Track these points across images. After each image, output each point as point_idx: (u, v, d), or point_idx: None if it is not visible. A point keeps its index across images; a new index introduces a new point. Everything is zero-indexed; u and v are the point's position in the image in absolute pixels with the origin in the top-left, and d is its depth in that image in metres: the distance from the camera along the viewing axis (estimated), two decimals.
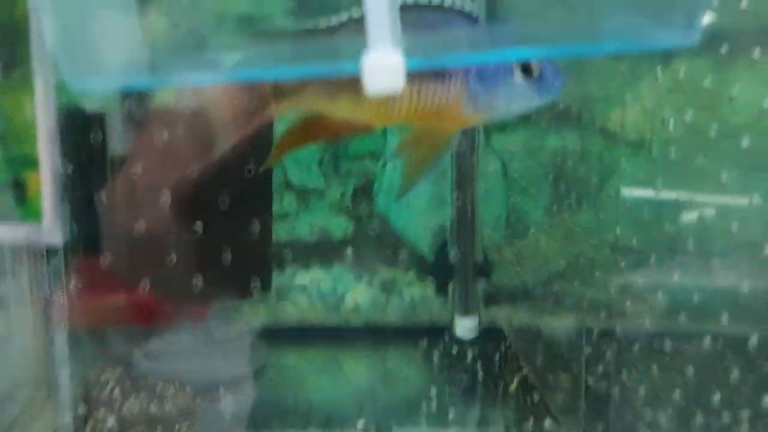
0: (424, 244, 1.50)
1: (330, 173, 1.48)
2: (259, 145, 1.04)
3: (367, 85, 0.56)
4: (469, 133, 1.41)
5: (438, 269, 1.49)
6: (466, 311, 1.47)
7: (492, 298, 1.50)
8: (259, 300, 1.40)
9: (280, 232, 1.45)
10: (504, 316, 1.50)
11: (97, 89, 0.58)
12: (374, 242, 1.50)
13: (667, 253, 1.22)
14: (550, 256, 1.47)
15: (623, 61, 1.28)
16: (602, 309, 1.29)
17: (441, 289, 1.50)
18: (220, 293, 1.19)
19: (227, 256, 1.14)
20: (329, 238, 1.48)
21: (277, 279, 1.45)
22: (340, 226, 1.49)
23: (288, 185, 1.47)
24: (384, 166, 1.50)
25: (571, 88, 1.41)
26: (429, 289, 1.51)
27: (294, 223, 1.48)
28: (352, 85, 0.76)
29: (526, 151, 1.48)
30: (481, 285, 1.49)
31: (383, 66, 0.54)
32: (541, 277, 1.49)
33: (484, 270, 1.48)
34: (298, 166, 1.46)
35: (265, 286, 1.26)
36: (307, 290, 1.48)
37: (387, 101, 0.79)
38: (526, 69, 0.79)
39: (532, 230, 1.49)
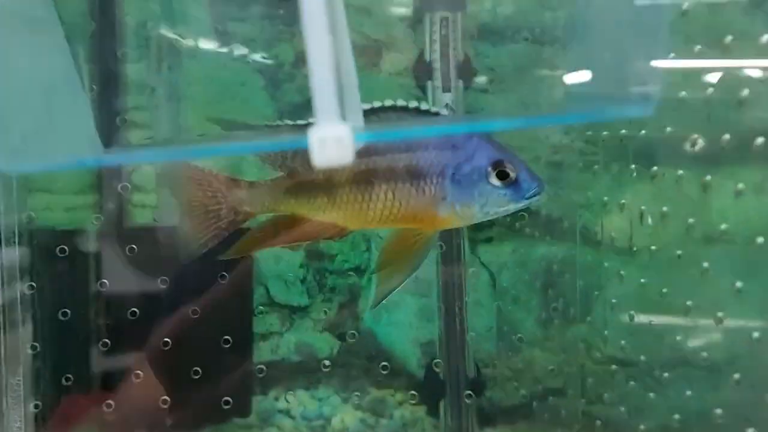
0: (413, 361, 1.44)
1: (314, 290, 1.44)
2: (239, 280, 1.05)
3: (315, 157, 0.54)
4: (453, 245, 1.38)
5: (428, 387, 1.42)
6: None
7: (487, 417, 1.42)
8: (239, 426, 1.33)
9: (262, 352, 1.40)
10: None
11: (29, 170, 0.56)
12: (361, 360, 1.44)
13: (667, 365, 1.17)
14: (546, 369, 1.41)
15: (607, 168, 1.28)
16: (603, 424, 1.23)
17: (432, 409, 1.43)
18: (195, 420, 1.13)
19: (203, 379, 1.09)
20: (314, 358, 1.43)
21: (260, 403, 1.39)
22: (325, 345, 1.44)
23: (271, 303, 1.43)
24: (369, 281, 1.47)
25: (556, 197, 1.42)
26: (420, 409, 1.44)
27: (278, 342, 1.43)
28: (329, 188, 0.80)
29: (514, 261, 1.45)
30: (474, 403, 1.42)
31: (330, 137, 0.52)
32: (537, 392, 1.42)
33: (477, 386, 1.41)
34: (281, 283, 1.42)
35: (244, 411, 1.19)
36: (292, 414, 1.40)
37: (362, 202, 0.79)
38: (501, 174, 0.80)
39: (526, 342, 1.44)
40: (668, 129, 1.09)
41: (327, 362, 1.41)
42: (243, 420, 1.28)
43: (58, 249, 1.10)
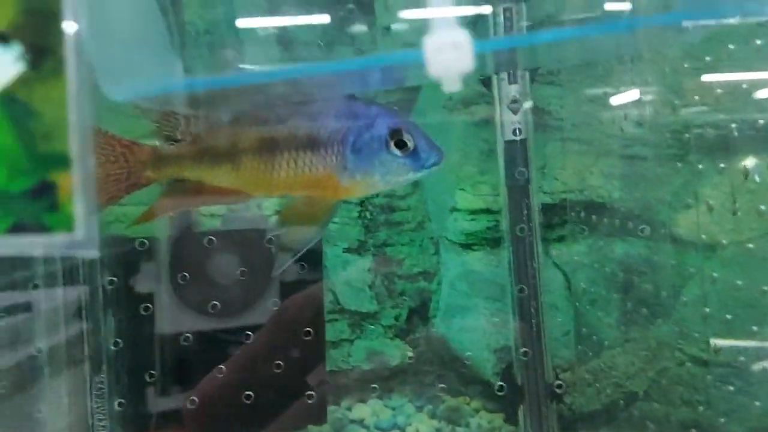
0: (488, 367, 1.39)
1: (383, 295, 1.41)
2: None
3: (430, 66, 0.52)
4: (525, 245, 1.33)
5: (506, 394, 1.36)
6: None
7: (568, 424, 1.36)
8: None
9: (333, 360, 1.37)
10: None
11: (131, 97, 0.56)
12: (434, 367, 1.40)
13: (757, 366, 1.11)
14: (627, 372, 1.35)
15: (686, 161, 1.23)
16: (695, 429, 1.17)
17: (511, 417, 1.37)
18: (273, 425, 1.10)
19: (276, 387, 1.07)
20: (386, 365, 1.39)
21: (333, 413, 1.35)
22: (396, 352, 1.40)
23: (341, 309, 1.40)
24: (439, 285, 1.43)
25: (633, 193, 1.36)
26: (497, 417, 1.38)
27: (348, 349, 1.40)
28: (232, 154, 0.80)
29: (589, 261, 1.39)
30: (554, 409, 1.35)
31: (448, 43, 0.50)
32: (620, 397, 1.35)
33: (557, 392, 1.35)
34: (349, 289, 1.40)
35: (319, 418, 1.16)
36: (365, 423, 1.37)
37: (265, 170, 0.80)
38: (399, 142, 0.81)
39: (606, 346, 1.37)
40: (761, 122, 1.04)
41: (399, 370, 1.37)
42: (318, 430, 1.25)
43: (138, 243, 1.10)
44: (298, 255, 0.82)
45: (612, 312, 1.37)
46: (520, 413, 1.34)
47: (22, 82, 0.44)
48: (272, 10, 1.19)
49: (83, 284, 1.08)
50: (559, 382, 1.30)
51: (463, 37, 0.51)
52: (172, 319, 1.11)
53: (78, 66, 0.44)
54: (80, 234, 0.44)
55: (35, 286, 1.07)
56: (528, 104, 1.27)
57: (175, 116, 0.81)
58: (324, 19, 1.24)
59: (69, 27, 0.44)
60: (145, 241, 1.11)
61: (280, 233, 0.84)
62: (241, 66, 1.21)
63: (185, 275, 1.11)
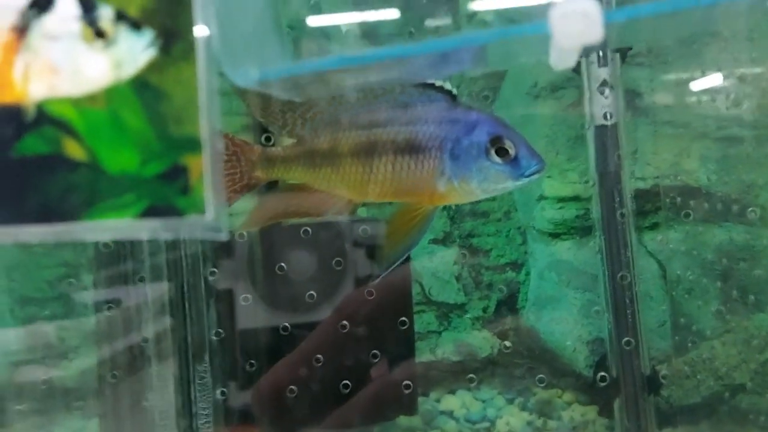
0: (580, 359, 1.36)
1: (470, 287, 1.39)
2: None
3: (558, 37, 0.50)
4: (618, 233, 1.29)
5: (599, 387, 1.33)
6: None
7: (666, 417, 1.31)
8: (403, 429, 1.29)
9: (421, 352, 1.36)
10: None
11: (253, 80, 0.56)
12: (524, 360, 1.37)
13: None
14: (728, 364, 1.29)
15: None
16: None
17: (605, 410, 1.33)
18: (364, 417, 1.10)
19: (368, 378, 1.07)
20: (474, 357, 1.37)
21: (422, 405, 1.34)
22: (485, 343, 1.38)
23: (428, 301, 1.39)
24: (527, 276, 1.40)
25: (730, 177, 1.30)
26: (591, 410, 1.35)
27: (436, 341, 1.39)
28: (333, 157, 0.80)
29: (685, 248, 1.34)
30: (651, 403, 1.31)
31: (575, 11, 0.48)
32: (721, 390, 1.30)
33: (653, 385, 1.30)
34: (436, 281, 1.39)
35: (410, 408, 1.16)
36: (455, 415, 1.35)
37: (363, 174, 0.80)
38: (500, 150, 0.79)
39: (705, 337, 1.32)
40: None
41: (488, 362, 1.35)
42: (408, 420, 1.24)
43: (237, 235, 1.12)
44: (396, 265, 0.81)
45: (710, 301, 1.32)
46: (616, 406, 1.31)
47: (153, 66, 0.45)
48: (356, 3, 1.19)
49: (185, 276, 1.11)
50: (665, 373, 1.26)
51: (593, 5, 0.49)
52: (258, 313, 1.12)
53: (206, 49, 0.44)
54: (210, 216, 0.44)
55: (141, 279, 1.10)
56: (618, 88, 1.23)
57: (283, 112, 0.82)
58: (406, 8, 1.24)
59: (197, 9, 0.44)
60: (244, 233, 1.12)
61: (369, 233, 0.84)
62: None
63: (282, 266, 1.12)
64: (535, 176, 0.80)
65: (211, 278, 1.11)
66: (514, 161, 0.80)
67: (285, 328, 1.12)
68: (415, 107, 0.81)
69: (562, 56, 0.52)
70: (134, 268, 1.09)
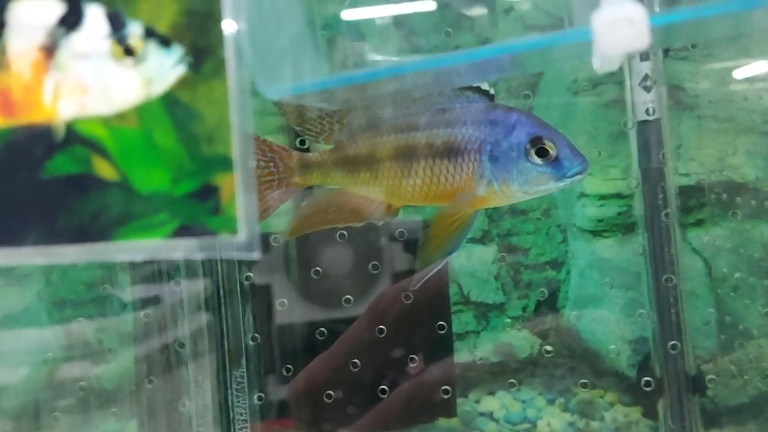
0: (623, 359, 1.33)
1: (509, 286, 1.37)
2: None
3: (602, 46, 0.48)
4: (661, 230, 1.26)
5: (643, 387, 1.30)
6: None
7: (711, 418, 1.28)
8: (442, 430, 1.28)
9: (460, 352, 1.35)
10: None
11: (287, 94, 0.56)
12: (565, 360, 1.35)
13: None
14: None
15: None
16: None
17: (649, 411, 1.30)
18: (402, 419, 1.10)
19: (406, 380, 1.06)
20: (514, 357, 1.35)
21: (461, 406, 1.33)
22: (525, 343, 1.36)
23: (466, 301, 1.38)
24: (568, 274, 1.38)
25: None
26: (634, 410, 1.32)
27: (475, 341, 1.37)
28: (371, 161, 0.80)
29: (731, 245, 1.30)
30: (696, 403, 1.28)
31: (621, 18, 0.46)
32: None
33: (699, 385, 1.27)
34: (474, 280, 1.37)
35: (449, 410, 1.15)
36: (495, 416, 1.34)
37: (402, 178, 0.80)
38: (541, 150, 0.77)
39: (752, 336, 1.28)
40: None
41: (528, 362, 1.33)
42: (447, 422, 1.23)
43: (272, 238, 1.12)
44: (436, 269, 0.81)
45: (758, 299, 1.28)
46: (660, 407, 1.28)
47: (183, 83, 0.44)
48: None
49: (222, 280, 1.12)
50: (711, 377, 1.23)
51: (639, 11, 0.47)
52: (298, 312, 1.12)
53: (238, 66, 0.44)
54: (243, 236, 0.44)
55: (177, 282, 1.11)
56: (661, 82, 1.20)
57: (320, 118, 0.82)
58: (442, 3, 1.22)
59: (228, 26, 0.44)
60: (278, 236, 1.12)
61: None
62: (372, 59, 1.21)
63: (317, 270, 1.12)
64: (578, 177, 0.79)
65: (246, 282, 1.12)
66: (556, 162, 0.78)
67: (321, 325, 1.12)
68: (453, 110, 0.81)
69: (605, 61, 0.50)
70: (170, 271, 1.10)
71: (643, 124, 1.21)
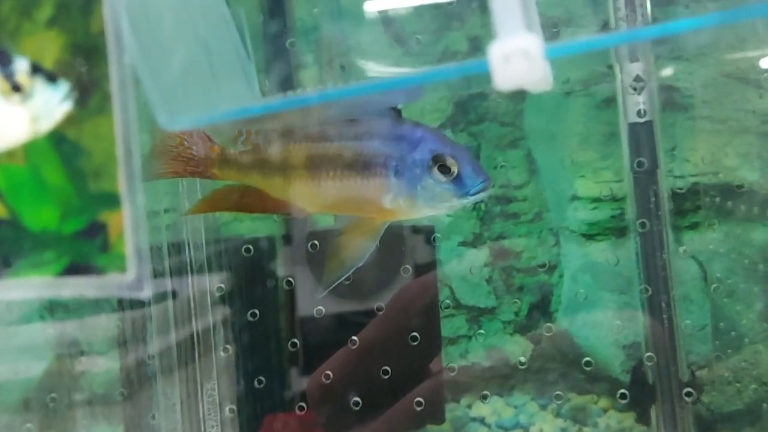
0: (616, 364, 1.31)
1: (501, 290, 1.36)
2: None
3: (497, 79, 0.45)
4: (654, 233, 1.24)
5: (636, 393, 1.28)
6: None
7: (706, 425, 1.26)
8: None
9: (451, 356, 1.33)
10: None
11: (188, 127, 0.55)
12: (558, 364, 1.33)
13: None
14: None
15: None
16: None
17: (642, 417, 1.29)
18: (389, 426, 1.08)
19: (393, 385, 1.05)
20: (506, 362, 1.34)
21: (452, 411, 1.32)
22: (517, 348, 1.34)
23: (457, 305, 1.36)
24: (560, 278, 1.36)
25: None
26: (627, 416, 1.30)
27: (466, 346, 1.36)
28: (284, 168, 0.82)
29: (727, 248, 1.28)
30: (689, 410, 1.26)
31: (515, 51, 0.43)
32: (764, 396, 1.25)
33: (693, 391, 1.25)
34: (465, 284, 1.35)
35: (438, 416, 1.14)
36: (486, 422, 1.32)
37: (312, 185, 0.82)
38: (442, 167, 0.79)
39: (747, 341, 1.27)
40: None
41: (520, 367, 1.32)
42: (438, 429, 1.22)
43: (244, 249, 1.13)
44: (349, 272, 0.81)
45: (753, 304, 1.26)
46: (652, 413, 1.26)
47: (71, 120, 0.44)
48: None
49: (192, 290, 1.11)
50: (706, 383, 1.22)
51: (535, 44, 0.44)
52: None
53: (125, 101, 0.43)
54: (131, 275, 0.43)
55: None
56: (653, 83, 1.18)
57: (245, 132, 0.83)
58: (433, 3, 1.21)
59: (115, 60, 0.43)
60: (251, 247, 1.12)
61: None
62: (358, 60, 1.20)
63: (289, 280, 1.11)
64: (481, 195, 0.80)
65: (217, 294, 1.11)
66: (458, 179, 0.79)
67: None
68: (362, 123, 0.82)
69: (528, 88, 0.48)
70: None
71: (634, 126, 1.20)
